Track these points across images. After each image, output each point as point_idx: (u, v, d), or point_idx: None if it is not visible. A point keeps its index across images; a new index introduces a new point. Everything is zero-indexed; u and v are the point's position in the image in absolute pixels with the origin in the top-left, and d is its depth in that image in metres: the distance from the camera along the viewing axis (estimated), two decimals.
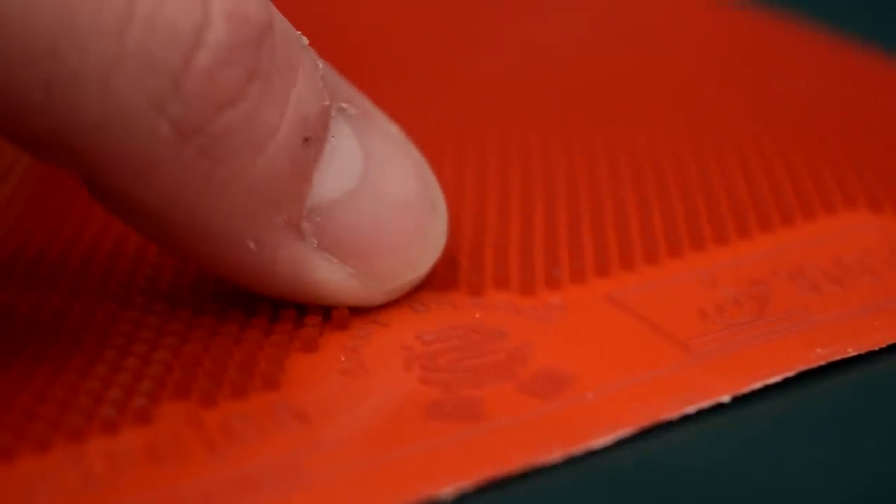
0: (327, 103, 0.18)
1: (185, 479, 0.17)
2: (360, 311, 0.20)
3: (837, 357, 0.19)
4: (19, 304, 0.20)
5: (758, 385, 0.19)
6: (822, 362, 0.19)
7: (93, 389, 0.18)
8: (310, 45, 0.18)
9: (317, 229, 0.18)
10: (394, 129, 0.20)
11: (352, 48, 0.30)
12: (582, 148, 0.25)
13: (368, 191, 0.19)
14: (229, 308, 0.20)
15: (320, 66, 0.18)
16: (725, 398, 0.18)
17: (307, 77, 0.17)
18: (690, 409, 0.18)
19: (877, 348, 0.19)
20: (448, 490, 0.17)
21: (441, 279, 0.21)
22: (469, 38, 0.31)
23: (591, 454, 0.18)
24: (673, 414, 0.18)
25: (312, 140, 0.17)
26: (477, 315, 0.20)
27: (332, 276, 0.19)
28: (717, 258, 0.22)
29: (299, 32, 0.18)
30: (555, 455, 0.17)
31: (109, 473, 0.17)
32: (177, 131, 0.16)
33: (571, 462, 0.18)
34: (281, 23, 0.17)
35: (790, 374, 0.19)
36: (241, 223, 0.18)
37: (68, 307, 0.20)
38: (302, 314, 0.20)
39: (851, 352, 0.19)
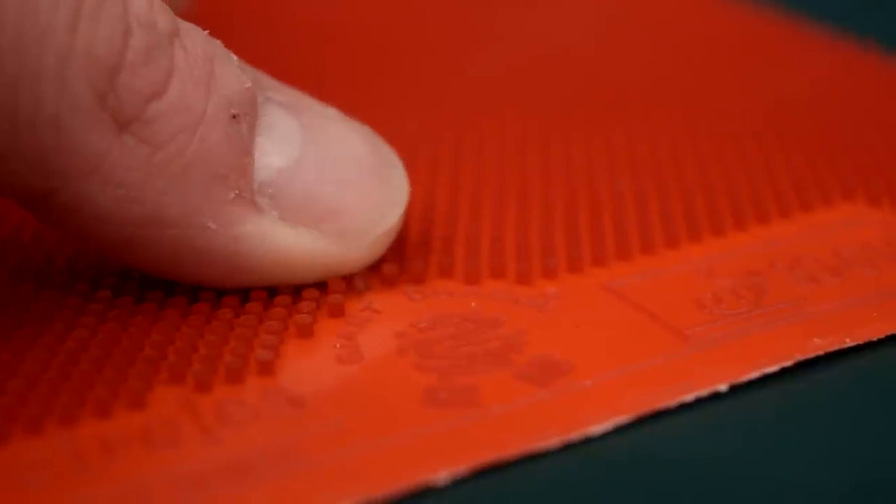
0: (249, 85, 0.19)
1: (179, 463, 0.17)
2: (354, 298, 0.20)
3: (835, 347, 0.19)
4: (11, 289, 0.20)
5: (755, 374, 0.19)
6: (820, 352, 0.19)
7: (86, 373, 0.18)
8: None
9: (274, 201, 0.19)
10: (330, 110, 0.20)
11: (351, 45, 0.30)
12: (580, 139, 0.25)
13: (314, 155, 0.20)
14: (224, 294, 0.20)
15: (235, 59, 0.19)
16: (723, 387, 0.18)
17: (222, 66, 0.19)
18: (688, 397, 0.18)
19: (874, 339, 0.19)
20: (443, 475, 0.17)
21: (437, 268, 0.21)
22: (469, 34, 0.31)
23: (589, 441, 0.18)
24: (670, 402, 0.18)
25: (241, 117, 0.19)
26: (473, 304, 0.20)
27: (301, 243, 0.19)
28: (714, 249, 0.22)
29: (208, 34, 0.19)
30: (552, 442, 0.17)
31: (103, 457, 0.17)
32: (116, 122, 0.18)
33: (568, 449, 0.17)
34: (189, 29, 0.19)
35: (788, 363, 0.19)
36: (194, 203, 0.19)
37: (63, 293, 0.20)
38: (297, 301, 0.20)
39: (849, 342, 0.19)
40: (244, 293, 0.20)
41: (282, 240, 0.19)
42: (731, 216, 0.22)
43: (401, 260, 0.21)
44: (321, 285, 0.20)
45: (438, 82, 0.28)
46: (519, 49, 0.30)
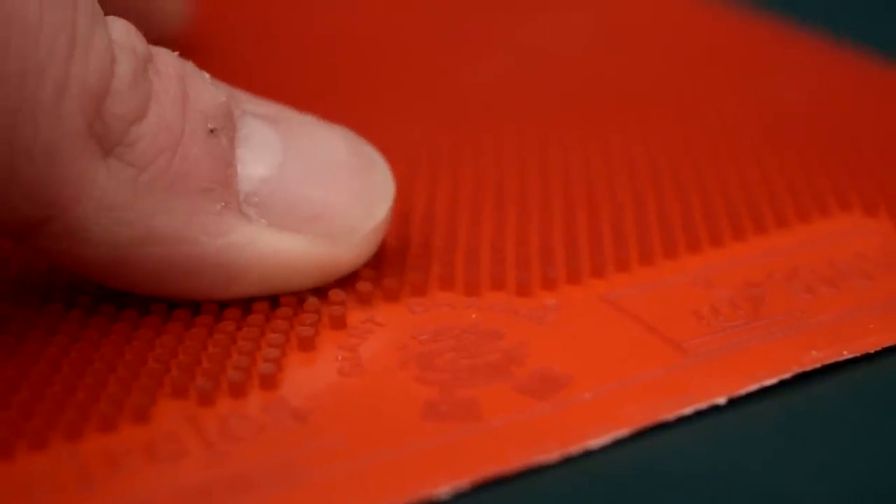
0: (224, 99, 0.20)
1: (182, 477, 0.17)
2: (356, 310, 0.20)
3: (832, 360, 0.19)
4: (16, 304, 0.20)
5: (754, 387, 0.19)
6: (818, 365, 0.19)
7: (90, 387, 0.18)
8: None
9: (261, 210, 0.19)
10: (307, 116, 0.21)
11: (350, 54, 0.30)
12: (578, 150, 0.25)
13: (295, 161, 0.20)
14: (226, 307, 0.20)
15: (207, 76, 0.20)
16: (721, 400, 0.18)
17: (195, 84, 0.19)
18: (687, 410, 0.18)
19: (872, 351, 0.19)
20: (445, 489, 0.17)
21: (437, 279, 0.21)
22: (466, 43, 0.31)
23: (588, 454, 0.18)
24: (669, 415, 0.18)
25: (219, 130, 0.19)
26: (473, 316, 0.20)
27: (292, 247, 0.20)
28: (712, 260, 0.22)
29: (177, 54, 0.20)
30: (552, 455, 0.18)
31: (107, 471, 0.17)
32: (102, 147, 0.18)
33: (568, 462, 0.18)
34: (159, 52, 0.19)
35: (786, 375, 0.19)
36: (183, 218, 0.19)
37: (66, 306, 0.20)
38: (298, 313, 0.20)
39: (846, 354, 0.19)
40: (246, 305, 0.20)
41: (272, 246, 0.19)
42: (729, 226, 0.22)
43: (402, 271, 0.21)
44: (322, 296, 0.20)
45: (436, 91, 0.28)
46: (516, 58, 0.30)
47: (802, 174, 0.24)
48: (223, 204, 0.19)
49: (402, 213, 0.23)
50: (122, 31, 0.19)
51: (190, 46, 0.29)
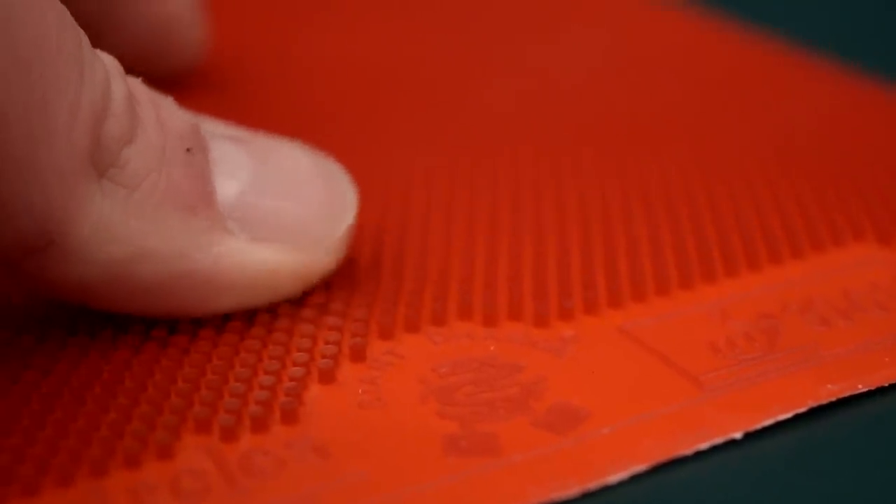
0: (193, 121, 0.21)
1: None
2: (376, 341, 0.20)
3: (848, 393, 0.19)
4: (39, 339, 0.20)
5: (769, 421, 0.19)
6: (833, 398, 0.19)
7: (114, 423, 0.18)
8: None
9: (241, 224, 0.20)
10: (269, 137, 0.22)
11: (361, 82, 0.30)
12: (593, 177, 0.25)
13: (268, 176, 0.21)
14: (246, 340, 0.20)
15: (171, 101, 0.21)
16: (738, 435, 0.19)
17: (167, 108, 0.20)
18: (704, 445, 0.18)
19: (887, 384, 0.20)
20: None
21: (456, 309, 0.21)
22: (478, 68, 0.31)
23: (607, 489, 0.18)
24: (687, 450, 0.18)
25: (195, 150, 0.20)
26: (492, 348, 0.20)
27: (273, 257, 0.21)
28: (727, 290, 0.22)
29: (148, 89, 0.20)
30: (571, 490, 0.18)
31: None
32: (97, 169, 0.19)
33: (587, 497, 0.18)
34: (130, 80, 0.20)
35: (801, 409, 0.19)
36: (172, 235, 0.20)
37: (88, 341, 0.20)
38: (319, 346, 0.20)
39: (861, 388, 0.19)
40: (266, 335, 0.20)
41: (255, 256, 0.20)
42: (744, 256, 0.23)
43: (420, 300, 0.21)
44: (340, 328, 0.21)
45: (450, 117, 0.28)
46: (529, 83, 0.30)
47: (816, 202, 0.24)
48: (208, 221, 0.20)
49: (418, 240, 0.23)
50: (108, 57, 0.20)
51: (207, 74, 0.29)
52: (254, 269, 0.20)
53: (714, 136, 0.27)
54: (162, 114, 0.20)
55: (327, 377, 0.20)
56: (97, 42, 0.19)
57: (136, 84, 0.20)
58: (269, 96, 0.29)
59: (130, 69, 0.20)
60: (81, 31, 0.19)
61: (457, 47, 0.32)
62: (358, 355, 0.20)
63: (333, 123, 0.28)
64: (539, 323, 0.21)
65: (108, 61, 0.20)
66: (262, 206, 0.21)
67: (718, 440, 0.19)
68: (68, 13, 0.19)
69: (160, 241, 0.20)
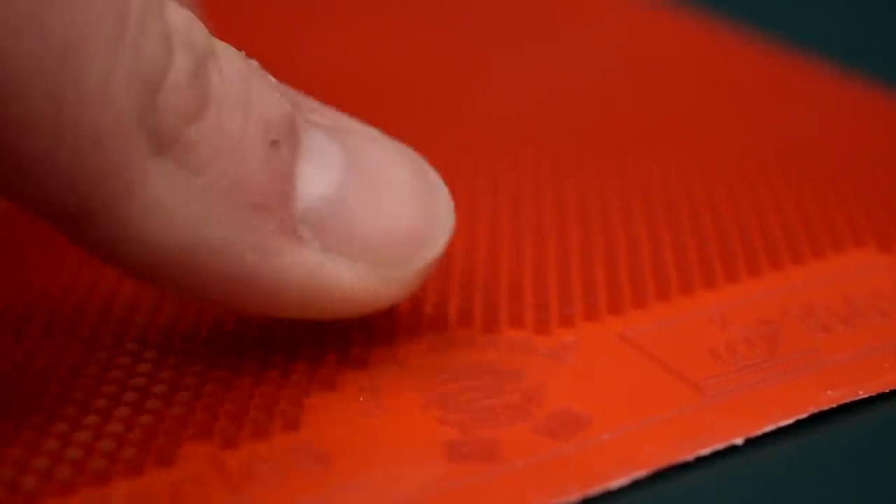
0: (288, 108, 0.19)
1: None
2: (377, 349, 0.20)
3: (849, 399, 0.19)
4: (36, 352, 0.20)
5: (770, 427, 0.19)
6: (834, 404, 0.19)
7: (116, 432, 0.19)
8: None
9: (315, 231, 0.19)
10: (371, 130, 0.20)
11: (361, 89, 0.30)
12: (593, 184, 0.25)
13: (357, 182, 0.19)
14: (248, 348, 0.20)
15: (273, 81, 0.19)
16: (739, 441, 0.19)
17: (259, 88, 0.18)
18: (704, 451, 0.19)
19: (887, 390, 0.20)
20: None
21: (457, 315, 0.21)
22: (478, 74, 0.31)
23: (608, 495, 0.18)
24: (688, 456, 0.18)
25: (281, 143, 0.18)
26: (492, 354, 0.20)
27: (344, 276, 0.19)
28: (727, 296, 0.22)
29: (245, 55, 0.19)
30: (572, 496, 0.18)
31: None
32: (155, 144, 0.17)
33: (588, 503, 0.18)
34: (224, 48, 0.18)
35: (802, 416, 0.19)
36: (232, 232, 0.18)
37: (89, 350, 0.20)
38: (320, 352, 0.20)
39: (862, 394, 0.19)
40: (267, 344, 0.20)
41: (322, 272, 0.19)
42: (744, 262, 0.23)
43: (421, 307, 0.21)
44: (342, 335, 0.21)
45: (451, 125, 0.28)
46: (529, 88, 0.30)
47: (817, 208, 0.24)
48: (278, 222, 0.18)
49: None
50: (181, 23, 0.18)
51: None
52: (317, 284, 0.19)
53: (714, 141, 0.27)
54: (253, 95, 0.18)
55: (328, 384, 0.20)
56: None
57: (231, 56, 0.18)
58: None
59: None
60: None
61: (456, 50, 0.32)
62: (359, 362, 0.20)
63: None
64: (539, 329, 0.21)
65: (181, 24, 0.18)
66: (344, 215, 0.19)
67: (719, 446, 0.19)
68: None
69: (218, 236, 0.18)
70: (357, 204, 0.19)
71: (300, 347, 0.20)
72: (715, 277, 0.22)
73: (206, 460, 0.18)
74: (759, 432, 0.19)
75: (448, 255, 0.23)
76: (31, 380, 0.20)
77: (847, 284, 0.22)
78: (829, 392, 0.19)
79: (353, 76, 0.31)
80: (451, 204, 0.20)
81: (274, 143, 0.18)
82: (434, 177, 0.20)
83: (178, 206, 0.18)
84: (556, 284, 0.22)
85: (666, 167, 0.26)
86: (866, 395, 0.20)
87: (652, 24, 0.34)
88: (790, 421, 0.19)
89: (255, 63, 0.19)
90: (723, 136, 0.27)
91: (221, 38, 0.29)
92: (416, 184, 0.19)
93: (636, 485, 0.18)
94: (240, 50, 0.19)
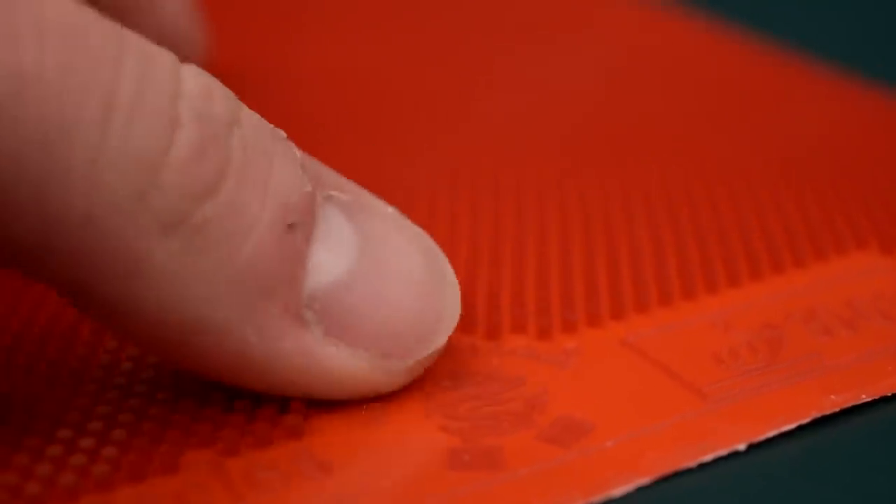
0: (309, 189, 0.18)
1: None
2: None
3: (851, 403, 0.19)
4: (38, 357, 0.20)
5: (773, 432, 0.19)
6: (836, 409, 0.19)
7: (120, 439, 0.19)
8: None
9: (320, 316, 0.18)
10: (389, 209, 0.20)
11: (364, 93, 0.30)
12: (595, 189, 0.25)
13: (368, 270, 0.19)
14: None
15: (298, 155, 0.18)
16: (741, 446, 0.19)
17: (283, 166, 0.18)
18: (708, 457, 0.19)
19: (890, 394, 0.20)
20: None
21: (459, 323, 0.21)
22: (479, 81, 0.31)
23: (611, 502, 0.18)
24: (691, 462, 0.18)
25: (298, 225, 0.18)
26: (495, 361, 0.20)
27: (345, 364, 0.19)
28: (730, 300, 0.22)
29: (272, 126, 0.18)
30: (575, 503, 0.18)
31: None
32: (160, 223, 0.17)
33: None
34: (250, 117, 0.18)
35: (805, 420, 0.19)
36: (237, 314, 0.18)
37: (92, 355, 0.20)
38: None
39: (865, 398, 0.19)
40: None
41: (323, 358, 0.18)
42: (746, 266, 0.23)
43: None
44: None
45: (452, 131, 0.28)
46: (531, 97, 0.30)
47: (819, 211, 0.24)
48: (283, 306, 0.18)
49: None
50: (197, 92, 0.17)
51: None
52: (316, 369, 0.18)
53: (716, 144, 0.27)
54: (275, 172, 0.18)
55: None
56: None
57: (257, 125, 0.18)
58: (269, 106, 0.29)
59: None
60: (131, 61, 0.17)
61: (457, 56, 0.32)
62: None
63: (335, 134, 0.28)
64: (542, 336, 0.21)
65: (194, 92, 0.17)
66: (352, 301, 0.18)
67: (722, 452, 0.19)
68: (106, 38, 0.17)
69: (222, 317, 0.17)
70: (365, 293, 0.18)
71: None
72: (717, 281, 0.22)
73: (209, 467, 0.18)
74: (762, 437, 0.19)
75: (451, 261, 0.23)
76: (34, 387, 0.20)
77: (849, 288, 0.22)
78: (833, 396, 0.19)
79: (355, 80, 0.31)
80: (458, 296, 0.20)
81: (291, 226, 0.18)
82: (445, 266, 0.20)
83: (182, 286, 0.17)
84: (558, 290, 0.22)
85: (667, 170, 0.26)
86: (869, 399, 0.20)
87: (653, 27, 0.34)
88: (793, 426, 0.19)
89: (282, 134, 0.18)
90: (724, 139, 0.27)
91: (221, 44, 0.29)
92: (425, 273, 0.19)
93: (639, 491, 0.18)
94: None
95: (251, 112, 0.18)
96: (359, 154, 0.27)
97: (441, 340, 0.19)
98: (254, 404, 0.19)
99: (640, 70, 0.31)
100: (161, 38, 0.27)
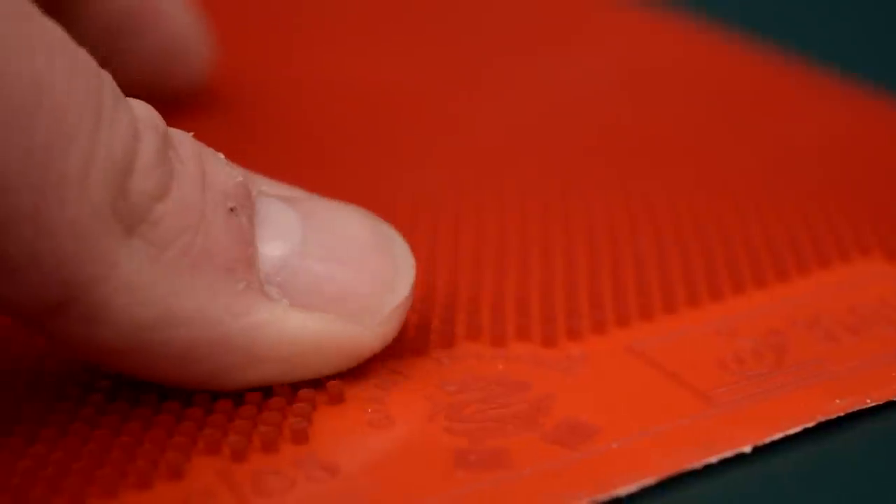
0: (240, 179, 0.20)
1: None
2: (383, 363, 0.20)
3: (857, 407, 0.19)
4: (46, 362, 0.20)
5: (778, 436, 0.19)
6: (842, 413, 0.19)
7: (126, 444, 0.19)
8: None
9: (283, 289, 0.19)
10: (324, 198, 0.21)
11: (364, 105, 0.30)
12: (598, 197, 0.25)
13: (316, 239, 0.20)
14: None
15: (221, 157, 0.20)
16: (746, 449, 0.19)
17: (210, 163, 0.19)
18: (713, 458, 0.19)
19: (895, 398, 0.20)
20: None
21: (464, 330, 0.21)
22: (481, 89, 0.31)
23: (616, 501, 0.18)
24: (696, 463, 0.18)
25: (239, 209, 0.19)
26: (500, 367, 0.20)
27: (315, 327, 0.19)
28: (734, 308, 0.22)
29: (190, 133, 0.20)
30: (582, 502, 0.18)
31: None
32: (124, 225, 0.18)
33: None
34: (175, 133, 0.19)
35: (810, 424, 0.19)
36: (206, 299, 0.19)
37: (95, 366, 0.20)
38: None
39: (870, 402, 0.20)
40: None
41: (295, 325, 0.19)
42: (750, 274, 0.23)
43: (428, 322, 0.21)
44: None
45: (455, 139, 0.28)
46: (532, 103, 0.30)
47: (822, 218, 0.24)
48: (245, 283, 0.19)
49: (425, 263, 0.23)
50: (143, 108, 0.19)
51: (212, 96, 0.29)
52: (292, 338, 0.19)
53: (719, 152, 0.27)
54: (207, 170, 0.19)
55: (335, 398, 0.20)
56: (102, 66, 0.19)
57: (183, 138, 0.19)
58: (274, 117, 0.29)
59: (135, 92, 0.19)
60: (107, 79, 0.18)
61: (459, 64, 0.32)
62: (365, 376, 0.20)
63: (338, 143, 0.28)
64: (547, 343, 0.21)
65: (143, 112, 0.19)
66: (307, 270, 0.20)
67: (728, 454, 0.19)
68: (90, 60, 0.18)
69: (191, 305, 0.18)
70: (318, 260, 0.20)
71: None
72: (721, 289, 0.22)
73: (216, 473, 0.18)
74: (767, 440, 0.19)
75: (455, 270, 0.23)
76: (39, 395, 0.20)
77: (853, 294, 0.22)
78: (837, 401, 0.19)
79: (355, 91, 0.31)
80: (409, 251, 0.21)
81: (232, 209, 0.19)
82: (388, 228, 0.21)
83: (150, 282, 0.18)
84: (563, 298, 0.22)
85: (671, 180, 0.26)
86: (874, 404, 0.20)
87: (655, 37, 0.34)
88: (798, 429, 0.19)
89: (203, 144, 0.20)
90: (727, 146, 0.27)
91: (227, 52, 0.29)
92: (371, 236, 0.20)
93: (644, 491, 0.18)
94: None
95: (174, 129, 0.19)
96: (362, 162, 0.27)
97: (403, 292, 0.20)
98: (259, 410, 0.19)
99: (642, 77, 0.31)
100: (169, 53, 0.28)
